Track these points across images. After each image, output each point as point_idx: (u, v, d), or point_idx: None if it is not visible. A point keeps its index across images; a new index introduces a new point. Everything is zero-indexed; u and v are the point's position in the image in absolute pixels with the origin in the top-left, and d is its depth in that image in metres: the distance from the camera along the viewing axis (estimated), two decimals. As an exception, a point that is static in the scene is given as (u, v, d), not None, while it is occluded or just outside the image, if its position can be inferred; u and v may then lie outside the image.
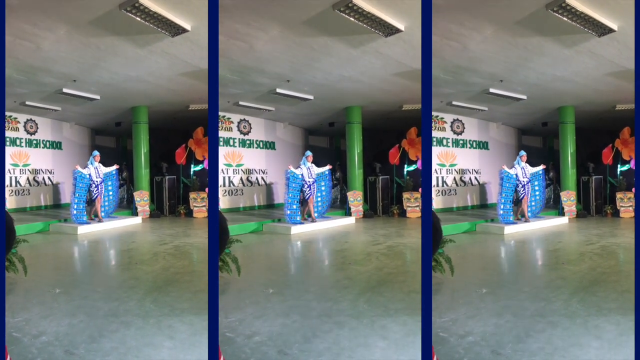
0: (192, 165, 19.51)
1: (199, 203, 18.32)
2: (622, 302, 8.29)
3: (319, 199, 16.83)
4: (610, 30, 10.73)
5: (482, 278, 9.65)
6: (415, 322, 7.53)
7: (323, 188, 16.82)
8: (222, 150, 19.15)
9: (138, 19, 10.18)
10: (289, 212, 15.88)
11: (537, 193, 16.64)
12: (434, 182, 18.68)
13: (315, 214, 16.62)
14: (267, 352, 6.53)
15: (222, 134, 19.04)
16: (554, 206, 19.36)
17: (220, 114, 18.41)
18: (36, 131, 19.89)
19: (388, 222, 16.91)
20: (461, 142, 19.50)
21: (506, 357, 6.42)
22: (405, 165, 19.14)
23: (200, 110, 17.56)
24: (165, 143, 20.38)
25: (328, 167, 17.04)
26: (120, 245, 13.18)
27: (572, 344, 6.76)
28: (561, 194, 18.30)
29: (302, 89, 15.69)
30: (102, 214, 16.46)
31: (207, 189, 18.69)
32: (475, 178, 19.92)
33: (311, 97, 16.30)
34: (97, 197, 16.28)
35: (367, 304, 8.23)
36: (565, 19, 10.14)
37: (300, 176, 16.26)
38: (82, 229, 14.89)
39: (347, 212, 18.07)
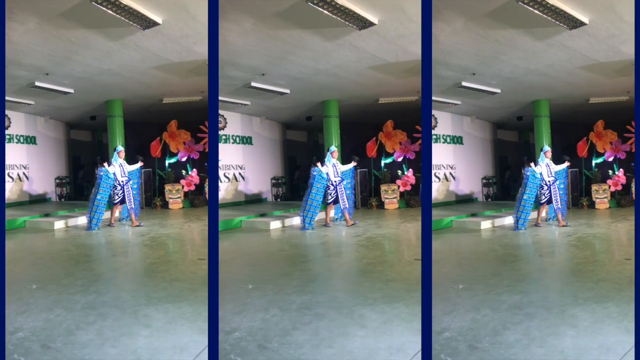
0: (167, 158, 19.47)
1: (174, 195, 18.39)
2: (598, 291, 8.38)
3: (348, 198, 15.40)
4: (582, 24, 10.81)
5: (459, 274, 9.67)
6: (392, 310, 7.59)
7: (349, 186, 15.53)
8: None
9: (109, 11, 10.16)
10: (308, 214, 14.54)
11: (561, 193, 15.22)
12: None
13: (336, 217, 15.46)
14: (246, 347, 6.54)
15: (197, 129, 19.06)
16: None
17: (195, 108, 18.38)
18: (9, 126, 19.74)
19: (367, 214, 16.93)
20: (434, 137, 19.52)
21: (483, 351, 6.46)
22: (382, 158, 19.19)
23: (173, 103, 17.55)
24: (140, 136, 20.31)
25: (353, 163, 15.77)
26: (97, 239, 13.12)
27: (549, 333, 6.83)
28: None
29: (277, 83, 15.64)
30: (132, 215, 15.15)
31: (182, 181, 18.71)
32: (450, 174, 19.95)
33: (287, 90, 16.24)
34: (119, 200, 15.04)
35: (346, 295, 8.27)
36: (536, 11, 10.19)
37: (326, 175, 14.93)
38: (59, 224, 14.79)
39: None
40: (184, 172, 19.24)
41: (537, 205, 14.90)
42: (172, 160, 19.51)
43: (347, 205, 15.15)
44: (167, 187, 18.53)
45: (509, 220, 15.25)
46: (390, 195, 17.99)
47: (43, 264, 10.76)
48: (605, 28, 11.31)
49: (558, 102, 18.24)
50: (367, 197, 18.58)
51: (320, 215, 15.08)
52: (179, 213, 17.35)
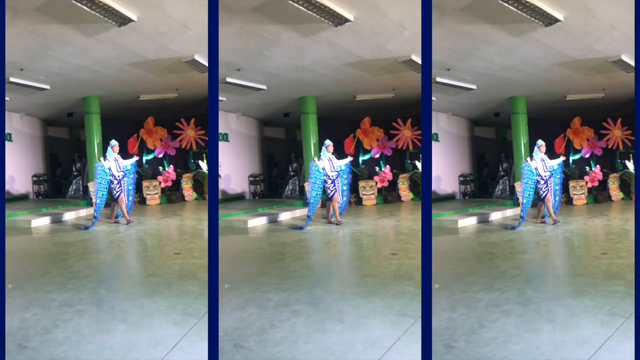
0: (144, 155, 19.39)
1: (151, 191, 18.35)
2: (575, 286, 8.48)
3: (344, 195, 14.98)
4: (556, 20, 10.88)
5: (435, 273, 9.58)
6: (368, 304, 7.64)
7: (345, 182, 15.04)
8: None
9: (84, 7, 10.18)
10: (310, 212, 14.26)
11: (557, 188, 14.79)
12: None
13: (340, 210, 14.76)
14: (222, 347, 6.56)
15: (173, 125, 18.99)
16: (509, 197, 19.40)
17: (170, 105, 18.30)
18: (-16, 123, 19.56)
19: (345, 210, 16.89)
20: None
21: (459, 350, 6.52)
22: (360, 155, 19.13)
23: (150, 100, 17.53)
24: (117, 133, 20.19)
25: (349, 158, 15.38)
26: (75, 236, 13.03)
27: (525, 330, 6.90)
28: (515, 184, 18.36)
29: (253, 79, 15.54)
30: (115, 211, 14.61)
31: (159, 177, 18.69)
32: (426, 171, 19.82)
33: (264, 86, 16.16)
34: (119, 194, 14.54)
35: (324, 291, 8.29)
36: (511, 7, 10.24)
37: (322, 170, 14.57)
38: (37, 222, 14.68)
39: (305, 203, 17.94)
40: (160, 168, 19.16)
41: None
42: (149, 156, 19.43)
43: (341, 201, 14.83)
44: (145, 184, 18.46)
45: (486, 218, 15.23)
46: (368, 191, 18.00)
47: (20, 262, 10.68)
48: (579, 25, 11.39)
49: (535, 99, 18.27)
50: (345, 193, 18.51)
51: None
52: (156, 209, 17.38)
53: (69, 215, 15.78)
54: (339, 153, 19.08)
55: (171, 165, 19.08)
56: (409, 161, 19.21)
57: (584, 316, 7.25)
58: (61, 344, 6.42)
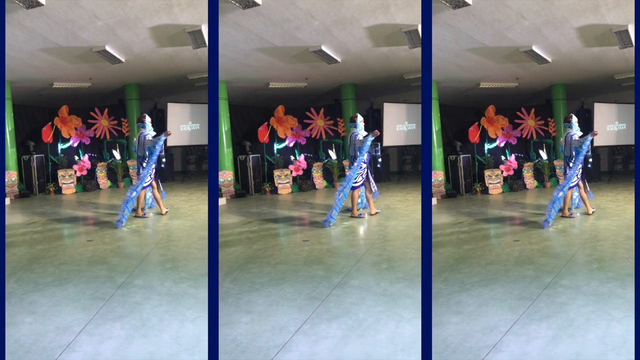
0: (60, 143, 19.18)
1: (67, 180, 18.27)
2: (485, 275, 8.59)
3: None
4: (465, 4, 10.86)
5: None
6: (279, 292, 7.69)
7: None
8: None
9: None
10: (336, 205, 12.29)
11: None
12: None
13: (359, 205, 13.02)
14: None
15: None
16: (419, 187, 19.48)
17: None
18: None
19: (260, 200, 16.85)
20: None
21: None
22: (275, 143, 19.10)
23: (64, 88, 17.36)
24: (30, 121, 19.92)
25: (371, 136, 12.69)
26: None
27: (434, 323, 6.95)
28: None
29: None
30: (161, 202, 13.18)
31: (74, 167, 18.58)
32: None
33: (166, 68, 15.78)
34: (150, 182, 12.93)
35: (233, 284, 8.29)
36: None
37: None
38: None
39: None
40: (76, 157, 19.03)
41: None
42: (65, 145, 19.25)
43: (375, 189, 12.99)
44: (60, 173, 18.37)
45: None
46: (283, 180, 18.02)
47: None
48: (489, 11, 11.38)
49: (447, 85, 18.13)
50: (260, 182, 18.39)
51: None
52: (71, 198, 17.25)
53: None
54: (254, 142, 19.01)
55: (86, 154, 19.04)
56: (323, 150, 19.22)
57: (493, 304, 7.39)
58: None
